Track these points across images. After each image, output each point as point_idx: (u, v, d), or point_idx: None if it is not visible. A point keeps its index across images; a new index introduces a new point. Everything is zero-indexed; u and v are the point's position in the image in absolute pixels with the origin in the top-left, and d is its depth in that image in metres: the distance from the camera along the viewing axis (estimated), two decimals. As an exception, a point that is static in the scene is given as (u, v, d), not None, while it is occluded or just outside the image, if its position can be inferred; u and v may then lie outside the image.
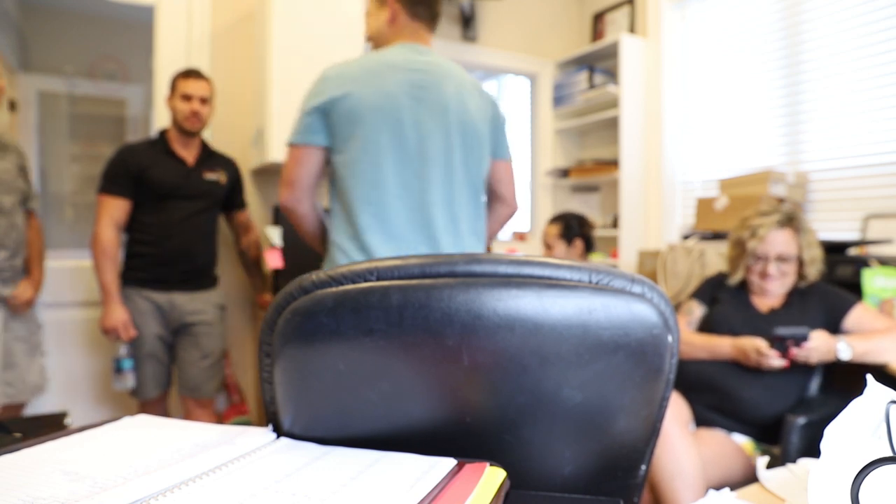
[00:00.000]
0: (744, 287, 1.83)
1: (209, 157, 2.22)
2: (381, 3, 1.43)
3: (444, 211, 1.35)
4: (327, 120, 1.31)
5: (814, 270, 1.75)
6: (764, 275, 1.75)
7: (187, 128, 2.11)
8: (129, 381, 2.05)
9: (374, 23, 1.45)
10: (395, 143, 1.30)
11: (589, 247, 2.59)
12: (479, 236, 1.45)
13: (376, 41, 1.47)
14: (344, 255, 1.32)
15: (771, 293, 1.76)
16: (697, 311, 1.87)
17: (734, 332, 1.72)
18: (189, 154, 2.16)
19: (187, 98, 2.09)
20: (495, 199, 1.56)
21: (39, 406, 2.20)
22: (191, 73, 2.13)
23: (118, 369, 2.04)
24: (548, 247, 2.56)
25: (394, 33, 1.43)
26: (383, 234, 1.30)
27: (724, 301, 1.83)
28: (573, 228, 2.54)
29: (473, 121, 1.39)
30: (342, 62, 1.36)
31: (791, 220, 1.75)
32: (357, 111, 1.29)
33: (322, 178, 1.39)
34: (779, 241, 1.73)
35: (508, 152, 1.54)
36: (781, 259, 1.73)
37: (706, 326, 1.82)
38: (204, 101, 2.12)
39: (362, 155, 1.30)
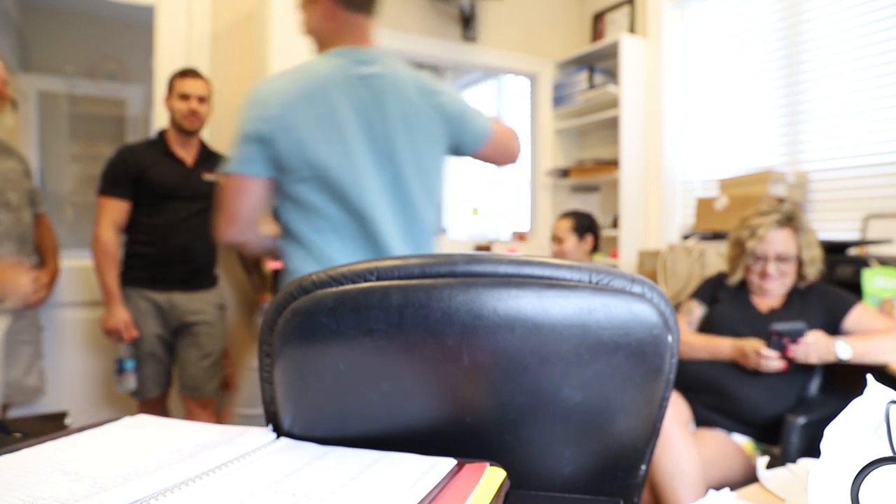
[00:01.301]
0: (744, 287, 1.83)
1: (208, 157, 2.22)
2: None
3: (400, 243, 1.23)
4: (270, 149, 1.14)
5: (813, 270, 1.75)
6: (763, 275, 1.75)
7: (186, 127, 2.11)
8: (131, 382, 2.06)
9: (310, 18, 1.26)
10: (345, 176, 1.16)
11: (596, 246, 2.60)
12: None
13: (317, 41, 1.28)
14: None
15: (770, 293, 1.76)
16: (697, 311, 1.87)
17: (735, 331, 1.72)
18: (188, 154, 2.16)
19: (185, 97, 2.09)
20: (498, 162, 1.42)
21: (40, 406, 2.20)
22: (188, 73, 2.13)
23: (120, 370, 2.05)
24: (559, 240, 2.55)
25: (333, 31, 1.23)
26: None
27: (724, 301, 1.83)
28: (585, 224, 2.56)
29: (424, 137, 1.25)
30: (277, 78, 1.19)
31: (790, 220, 1.75)
32: (302, 143, 1.13)
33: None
34: (778, 241, 1.73)
35: (487, 125, 1.33)
36: (781, 259, 1.73)
37: (706, 326, 1.82)
38: (202, 99, 2.12)
39: (310, 192, 1.16)
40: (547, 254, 3.57)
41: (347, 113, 1.16)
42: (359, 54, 1.21)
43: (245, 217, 1.19)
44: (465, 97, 1.36)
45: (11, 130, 1.91)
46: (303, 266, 1.19)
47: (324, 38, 1.26)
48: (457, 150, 1.34)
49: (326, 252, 1.19)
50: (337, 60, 1.19)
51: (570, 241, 2.53)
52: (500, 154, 1.38)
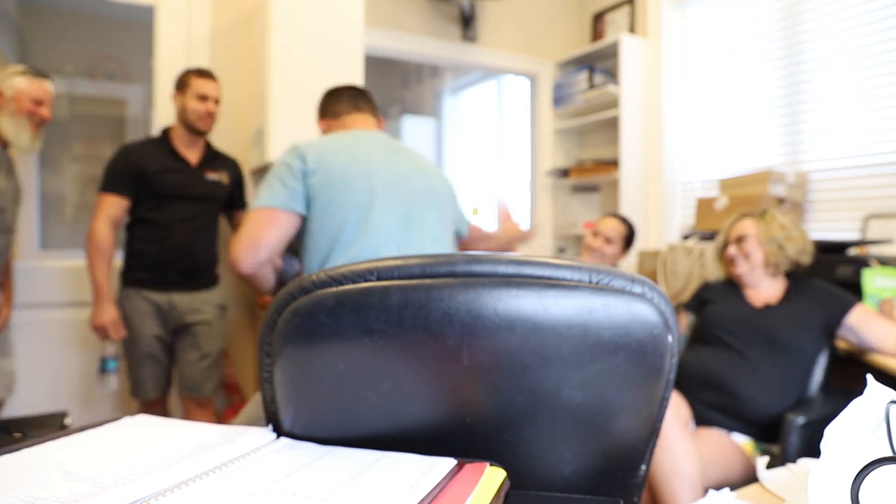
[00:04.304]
0: (734, 284, 1.86)
1: (213, 157, 2.22)
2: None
3: None
4: (307, 187, 1.34)
5: (782, 254, 1.78)
6: (730, 261, 1.85)
7: (200, 128, 2.11)
8: (113, 383, 2.04)
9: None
10: (384, 204, 1.38)
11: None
12: None
13: None
14: None
15: (746, 279, 1.82)
16: (684, 319, 1.96)
17: (727, 329, 1.73)
18: (192, 154, 2.15)
19: (203, 98, 2.09)
20: None
21: (39, 407, 2.20)
22: (206, 73, 2.12)
23: (102, 370, 2.03)
24: (606, 239, 2.35)
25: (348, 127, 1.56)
26: None
27: (715, 301, 1.86)
28: (631, 236, 2.42)
29: (440, 198, 1.51)
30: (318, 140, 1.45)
31: (758, 213, 1.86)
32: (337, 177, 1.35)
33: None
34: (739, 227, 1.86)
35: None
36: (740, 240, 1.83)
37: (699, 330, 1.84)
38: (216, 102, 2.13)
39: (345, 221, 1.34)
40: (548, 253, 3.57)
41: (376, 151, 1.43)
42: (369, 133, 1.52)
43: (268, 247, 1.31)
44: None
45: (30, 150, 1.93)
46: None
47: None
48: (457, 231, 1.64)
49: None
50: (358, 132, 1.51)
51: (617, 246, 2.36)
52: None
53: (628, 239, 2.41)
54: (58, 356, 2.35)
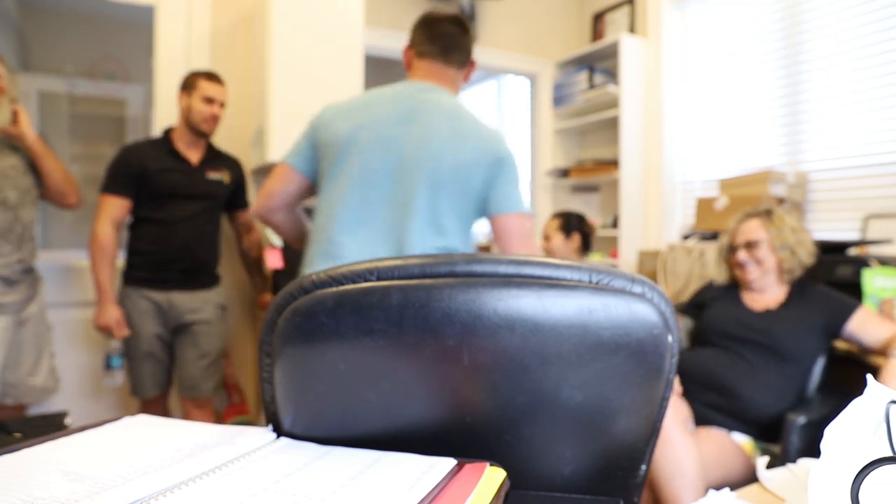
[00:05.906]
0: (735, 287, 1.85)
1: (215, 157, 2.22)
2: (406, 51, 1.51)
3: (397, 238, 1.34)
4: (314, 150, 1.40)
5: (795, 259, 1.74)
6: (739, 265, 1.79)
7: (204, 130, 2.12)
8: (118, 378, 2.09)
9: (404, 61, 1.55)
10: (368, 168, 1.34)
11: (587, 246, 2.62)
12: None
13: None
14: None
15: (756, 285, 1.78)
16: (679, 322, 1.91)
17: (725, 331, 1.73)
18: (194, 154, 2.16)
19: (210, 101, 2.10)
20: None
21: (40, 406, 2.19)
22: (214, 77, 2.14)
23: (108, 366, 2.08)
24: (546, 238, 2.61)
25: (410, 71, 1.50)
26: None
27: (714, 305, 1.84)
28: (572, 223, 2.60)
29: (456, 162, 1.34)
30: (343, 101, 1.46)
31: (764, 212, 1.80)
32: (338, 141, 1.35)
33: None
34: (747, 229, 1.79)
35: (512, 205, 1.40)
36: (750, 245, 1.76)
37: (699, 332, 1.84)
38: (222, 105, 2.14)
39: (341, 184, 1.35)
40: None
41: (389, 113, 1.37)
42: (422, 85, 1.44)
43: (277, 200, 1.45)
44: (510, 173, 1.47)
45: (8, 124, 1.88)
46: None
47: (407, 75, 1.52)
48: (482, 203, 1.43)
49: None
50: (402, 86, 1.45)
51: (557, 239, 2.58)
52: (504, 241, 1.43)
53: (567, 228, 2.61)
54: (57, 356, 2.34)
